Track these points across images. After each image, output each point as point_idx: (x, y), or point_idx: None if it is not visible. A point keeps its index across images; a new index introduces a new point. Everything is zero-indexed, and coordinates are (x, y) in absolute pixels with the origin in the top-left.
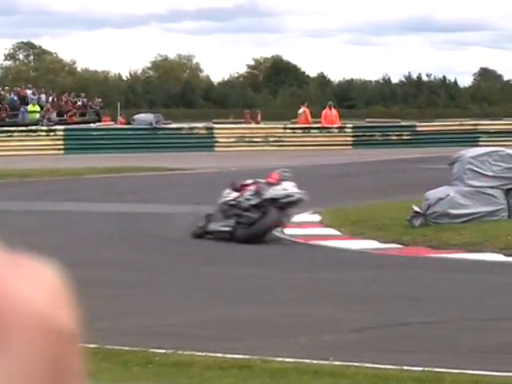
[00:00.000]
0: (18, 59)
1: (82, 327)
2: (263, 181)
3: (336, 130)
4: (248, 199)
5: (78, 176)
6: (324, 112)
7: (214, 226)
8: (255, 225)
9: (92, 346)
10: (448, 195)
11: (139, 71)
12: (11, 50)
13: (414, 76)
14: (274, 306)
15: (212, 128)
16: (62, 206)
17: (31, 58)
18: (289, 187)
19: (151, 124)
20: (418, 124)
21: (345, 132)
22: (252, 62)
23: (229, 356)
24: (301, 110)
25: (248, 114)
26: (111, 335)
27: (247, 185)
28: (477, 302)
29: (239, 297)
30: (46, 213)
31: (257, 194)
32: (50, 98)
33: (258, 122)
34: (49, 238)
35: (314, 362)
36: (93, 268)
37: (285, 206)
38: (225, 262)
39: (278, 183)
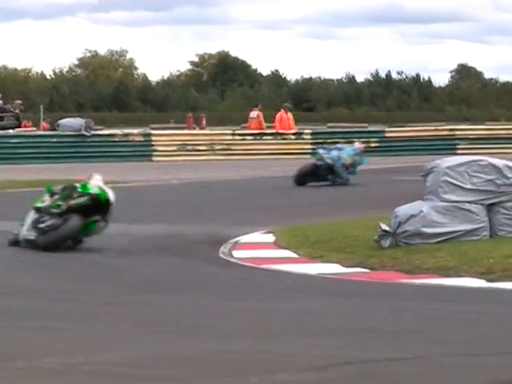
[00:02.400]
0: None
1: None
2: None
3: (293, 137)
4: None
5: None
6: (279, 115)
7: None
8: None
9: None
10: (421, 211)
11: (65, 69)
12: None
13: (383, 74)
14: (220, 341)
15: (149, 134)
16: None
17: None
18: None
19: (79, 130)
20: (387, 129)
21: (303, 138)
22: (195, 59)
23: None
24: (254, 114)
25: (191, 118)
26: (30, 375)
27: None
28: (454, 335)
29: (179, 329)
30: None
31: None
32: None
33: (202, 128)
34: None
35: None
36: (11, 297)
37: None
38: (155, 289)
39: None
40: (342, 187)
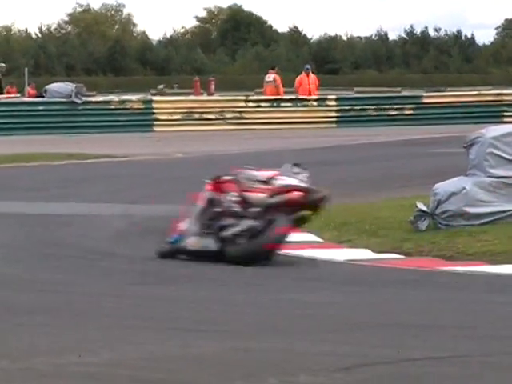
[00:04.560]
0: None
1: None
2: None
3: (315, 103)
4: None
5: None
6: (299, 79)
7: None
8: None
9: None
10: (463, 189)
11: (53, 27)
12: None
13: (418, 31)
14: (235, 338)
15: (150, 101)
16: None
17: None
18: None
19: (69, 96)
20: (423, 94)
21: (326, 105)
22: (202, 14)
23: None
24: (270, 77)
25: (198, 83)
26: (15, 377)
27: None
28: (503, 330)
29: (189, 327)
30: None
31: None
32: None
33: (211, 93)
34: None
35: None
36: None
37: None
38: (168, 281)
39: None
40: (370, 162)
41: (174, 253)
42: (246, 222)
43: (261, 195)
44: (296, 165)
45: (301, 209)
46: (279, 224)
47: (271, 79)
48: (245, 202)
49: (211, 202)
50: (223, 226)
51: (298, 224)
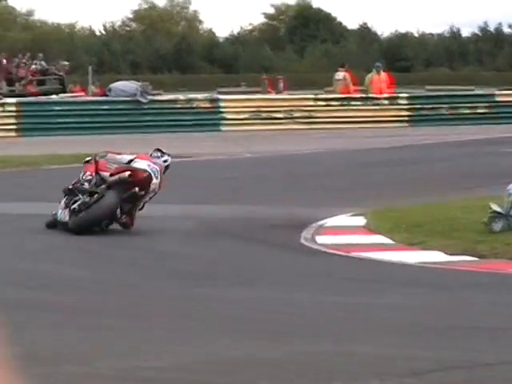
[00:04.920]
0: None
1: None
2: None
3: (386, 102)
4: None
5: (34, 166)
6: (370, 77)
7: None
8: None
9: None
10: None
11: (117, 24)
12: None
13: (492, 27)
14: (300, 341)
15: (217, 100)
16: (11, 207)
17: None
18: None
19: (134, 95)
20: (497, 93)
21: (398, 104)
22: (270, 11)
23: None
24: (340, 75)
25: (266, 81)
26: (77, 382)
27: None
28: None
29: (253, 328)
30: None
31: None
32: None
33: (279, 92)
34: None
35: None
36: (51, 290)
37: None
38: (223, 281)
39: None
40: (443, 162)
41: (55, 224)
42: (83, 197)
43: (107, 174)
44: (158, 150)
45: (133, 186)
46: (108, 199)
47: (341, 77)
48: (102, 180)
49: (78, 181)
50: (74, 201)
51: (131, 200)
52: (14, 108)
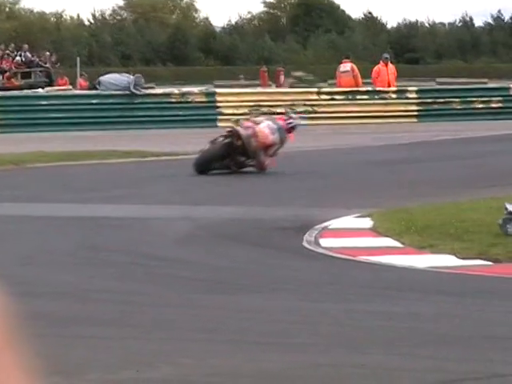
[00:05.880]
0: None
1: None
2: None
3: (394, 96)
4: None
5: (18, 165)
6: (377, 69)
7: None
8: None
9: None
10: None
11: (107, 12)
12: None
13: (506, 17)
14: (307, 352)
15: (214, 94)
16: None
17: None
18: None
19: (126, 89)
20: None
21: (407, 98)
22: None
23: None
24: (346, 67)
25: (266, 73)
26: None
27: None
28: None
29: (257, 338)
30: None
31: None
32: None
33: (280, 85)
34: None
35: None
36: (44, 299)
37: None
38: (225, 288)
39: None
40: (455, 160)
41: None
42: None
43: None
44: (290, 117)
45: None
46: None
47: (348, 69)
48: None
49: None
50: None
51: (233, 149)
52: None
